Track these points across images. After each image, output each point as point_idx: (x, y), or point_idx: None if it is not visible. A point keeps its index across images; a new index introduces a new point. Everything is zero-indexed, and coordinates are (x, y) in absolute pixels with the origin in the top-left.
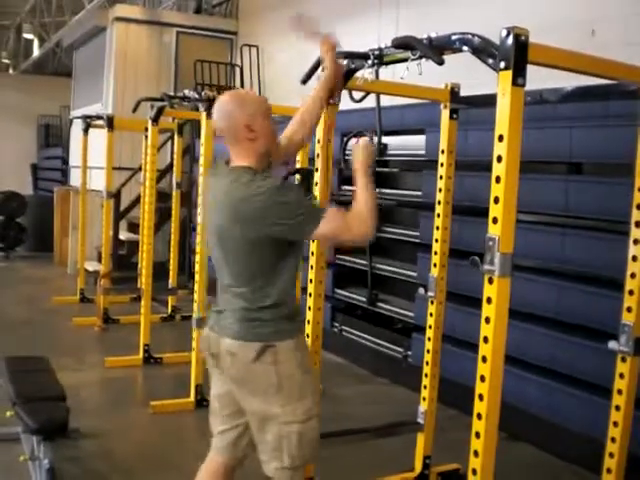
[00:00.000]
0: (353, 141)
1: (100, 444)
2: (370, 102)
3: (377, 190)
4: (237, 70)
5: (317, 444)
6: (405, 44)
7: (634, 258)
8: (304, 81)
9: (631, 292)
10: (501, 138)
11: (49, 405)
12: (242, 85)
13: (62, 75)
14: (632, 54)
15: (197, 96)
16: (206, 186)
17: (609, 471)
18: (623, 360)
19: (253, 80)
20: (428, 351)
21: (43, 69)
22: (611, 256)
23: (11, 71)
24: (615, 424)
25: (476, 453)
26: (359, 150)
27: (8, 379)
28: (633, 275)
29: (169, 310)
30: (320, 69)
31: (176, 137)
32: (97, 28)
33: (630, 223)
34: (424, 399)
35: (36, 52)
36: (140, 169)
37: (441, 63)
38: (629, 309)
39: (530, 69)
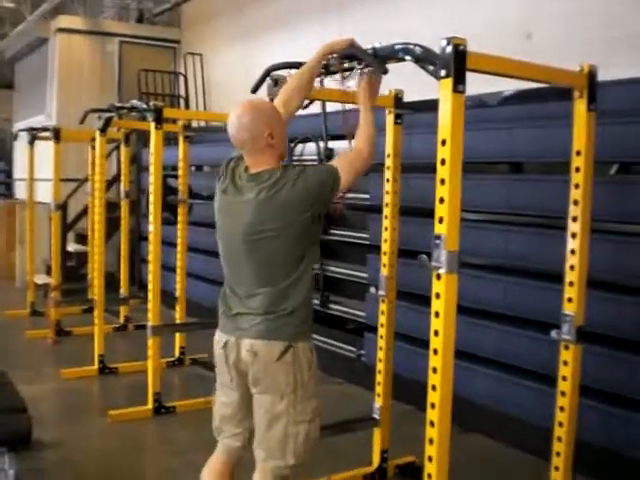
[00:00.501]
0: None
1: (63, 454)
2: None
3: None
4: (181, 79)
5: (315, 444)
6: (350, 55)
7: (572, 251)
8: (254, 90)
9: (571, 283)
10: (444, 142)
11: (12, 416)
12: (187, 94)
13: (2, 87)
14: (567, 56)
15: (145, 106)
16: (220, 198)
17: (558, 454)
18: (566, 348)
19: (197, 88)
20: (381, 348)
21: None
22: (553, 250)
23: None
24: (562, 409)
25: (431, 441)
26: (366, 86)
27: None
28: (572, 267)
29: (122, 320)
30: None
31: (123, 147)
32: (39, 39)
33: (567, 218)
34: (379, 395)
35: None
36: (87, 180)
37: (385, 72)
38: (569, 299)
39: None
